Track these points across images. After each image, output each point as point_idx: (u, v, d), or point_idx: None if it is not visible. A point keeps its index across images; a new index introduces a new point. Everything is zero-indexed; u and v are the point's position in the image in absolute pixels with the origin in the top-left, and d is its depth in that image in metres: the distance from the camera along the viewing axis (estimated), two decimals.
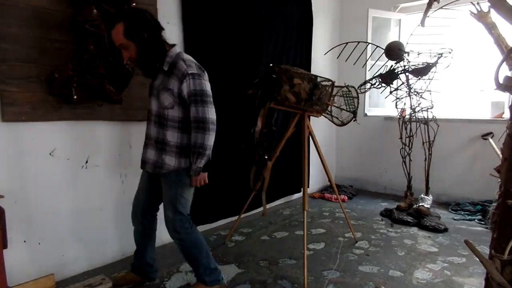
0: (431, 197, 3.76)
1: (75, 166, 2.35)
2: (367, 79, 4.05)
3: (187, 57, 1.91)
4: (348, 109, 2.97)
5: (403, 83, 3.73)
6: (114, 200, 2.57)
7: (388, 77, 3.73)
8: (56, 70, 2.11)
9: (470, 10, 2.08)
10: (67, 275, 2.34)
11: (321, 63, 4.50)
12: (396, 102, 3.86)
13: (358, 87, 3.42)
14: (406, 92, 3.72)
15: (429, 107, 3.69)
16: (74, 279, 2.32)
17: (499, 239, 1.25)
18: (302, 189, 2.79)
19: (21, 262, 2.11)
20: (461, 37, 4.11)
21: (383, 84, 3.80)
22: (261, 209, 3.72)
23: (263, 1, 3.55)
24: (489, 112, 4.16)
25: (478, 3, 2.06)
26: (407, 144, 3.84)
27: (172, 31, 2.75)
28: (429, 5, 2.19)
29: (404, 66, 3.64)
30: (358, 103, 2.98)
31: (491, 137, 3.81)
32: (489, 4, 1.57)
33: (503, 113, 3.99)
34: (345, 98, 2.98)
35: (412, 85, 3.68)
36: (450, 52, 3.40)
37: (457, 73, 4.06)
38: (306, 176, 2.55)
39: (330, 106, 2.84)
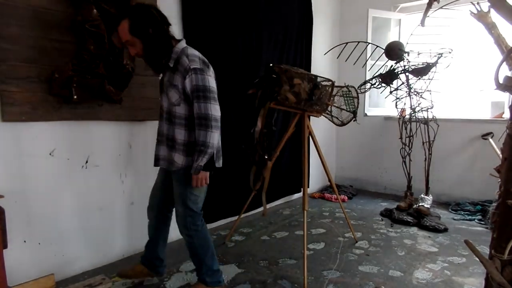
0: (431, 197, 3.76)
1: (75, 166, 2.35)
2: (367, 79, 4.05)
3: (192, 51, 1.86)
4: (348, 109, 2.97)
5: (403, 83, 3.73)
6: (114, 200, 2.57)
7: (388, 77, 3.73)
8: (56, 70, 2.11)
9: (470, 10, 2.08)
10: (67, 275, 2.34)
11: (321, 63, 4.50)
12: (396, 102, 3.86)
13: (358, 87, 3.42)
14: (406, 92, 3.72)
15: (429, 107, 3.69)
16: (74, 279, 2.32)
17: (499, 239, 1.25)
18: (302, 189, 2.79)
19: (21, 262, 2.11)
20: (461, 37, 4.11)
21: (383, 84, 3.80)
22: (261, 209, 3.72)
23: (263, 1, 3.54)
24: (489, 112, 4.16)
25: (478, 3, 2.06)
26: (407, 144, 3.84)
27: (172, 31, 2.75)
28: (429, 5, 2.19)
29: (404, 66, 3.64)
30: (358, 103, 2.98)
31: (491, 137, 3.81)
32: (489, 4, 1.57)
33: (503, 113, 3.99)
34: (345, 98, 2.98)
35: (412, 85, 3.68)
36: (450, 52, 3.40)
37: (457, 73, 4.06)
38: (306, 176, 2.55)
39: (330, 106, 2.84)
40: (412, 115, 3.75)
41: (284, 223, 3.49)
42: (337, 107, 3.00)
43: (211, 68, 1.90)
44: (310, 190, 4.26)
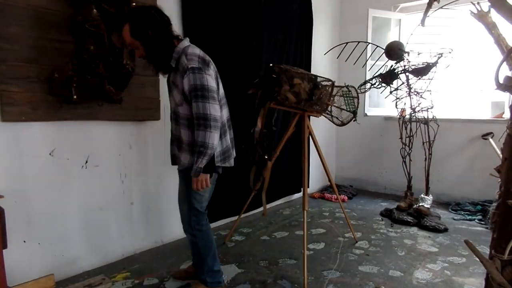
0: (431, 197, 3.76)
1: (75, 166, 2.34)
2: (367, 79, 4.05)
3: (192, 50, 1.84)
4: (348, 109, 2.96)
5: (403, 83, 3.73)
6: (114, 200, 2.57)
7: (388, 77, 3.72)
8: (56, 70, 2.10)
9: (470, 10, 2.08)
10: (67, 275, 2.33)
11: (321, 63, 4.50)
12: (396, 102, 3.86)
13: (358, 87, 3.42)
14: (406, 92, 3.72)
15: (429, 107, 3.69)
16: (74, 279, 2.32)
17: (499, 239, 1.25)
18: (302, 189, 2.78)
19: (21, 262, 2.11)
20: (461, 37, 4.11)
21: (383, 84, 3.80)
22: (261, 209, 3.72)
23: (263, 1, 3.54)
24: (489, 112, 4.16)
25: (478, 3, 2.05)
26: (407, 144, 3.84)
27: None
28: (429, 5, 2.19)
29: (404, 66, 3.64)
30: (358, 103, 2.97)
31: (491, 137, 3.81)
32: (489, 4, 1.56)
33: (503, 113, 3.99)
34: (345, 98, 2.97)
35: (412, 85, 3.68)
36: (450, 52, 3.39)
37: (457, 73, 4.06)
38: (306, 176, 2.54)
39: (330, 106, 2.84)
40: (412, 115, 3.75)
41: (284, 223, 3.49)
42: (337, 107, 3.00)
43: (212, 67, 1.89)
44: (310, 190, 4.26)
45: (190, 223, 2.01)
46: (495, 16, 1.68)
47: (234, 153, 2.12)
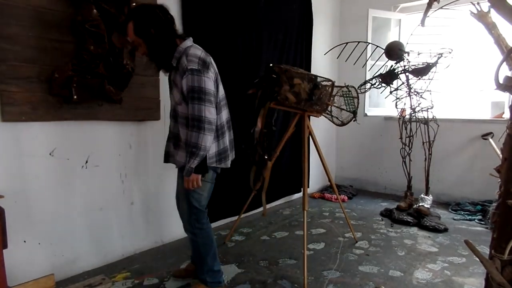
0: (431, 197, 3.76)
1: (75, 166, 2.34)
2: (367, 79, 4.05)
3: (193, 51, 1.84)
4: (348, 109, 2.96)
5: (403, 83, 3.73)
6: (114, 200, 2.57)
7: (388, 77, 3.73)
8: (56, 70, 2.10)
9: (470, 10, 2.08)
10: (67, 275, 2.33)
11: (321, 63, 4.50)
12: (396, 102, 3.86)
13: (358, 87, 3.42)
14: (406, 92, 3.72)
15: (429, 107, 3.69)
16: (74, 279, 2.32)
17: (499, 239, 1.25)
18: (302, 189, 2.78)
19: (21, 262, 2.11)
20: (461, 37, 4.11)
21: (383, 84, 3.80)
22: (261, 209, 3.72)
23: (263, 1, 3.54)
24: (489, 112, 4.16)
25: (478, 3, 2.05)
26: (407, 144, 3.84)
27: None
28: (429, 5, 2.19)
29: (404, 66, 3.64)
30: (358, 103, 2.98)
31: (491, 137, 3.81)
32: (489, 4, 1.56)
33: (503, 113, 3.99)
34: (345, 98, 2.97)
35: (412, 85, 3.68)
36: (450, 52, 3.39)
37: (457, 73, 4.06)
38: (306, 176, 2.54)
39: (330, 106, 2.84)
40: (412, 115, 3.75)
41: (284, 223, 3.49)
42: (337, 107, 3.00)
43: (212, 69, 1.89)
44: (310, 190, 4.26)
45: (190, 221, 2.02)
46: (495, 16, 1.68)
47: (233, 155, 2.12)
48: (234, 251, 2.81)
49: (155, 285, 2.29)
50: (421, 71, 3.53)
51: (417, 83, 3.67)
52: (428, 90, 3.63)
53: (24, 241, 2.14)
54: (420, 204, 3.62)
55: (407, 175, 3.92)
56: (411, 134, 3.80)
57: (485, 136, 3.88)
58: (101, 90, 2.27)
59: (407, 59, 3.63)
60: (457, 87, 4.49)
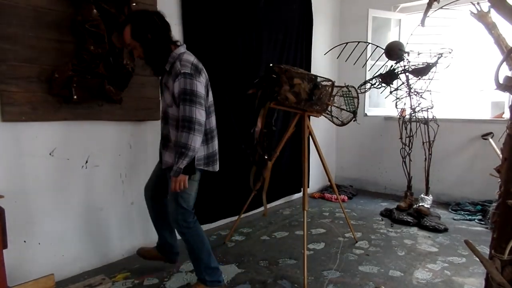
0: (431, 197, 3.76)
1: (75, 166, 2.34)
2: (367, 79, 4.05)
3: (186, 57, 1.93)
4: (348, 109, 2.97)
5: (403, 83, 3.73)
6: (114, 200, 2.57)
7: (388, 77, 3.73)
8: (56, 70, 2.10)
9: (470, 10, 2.08)
10: (67, 275, 2.33)
11: (321, 63, 4.50)
12: (396, 102, 3.87)
13: (358, 87, 3.42)
14: (406, 92, 3.72)
15: (429, 107, 3.69)
16: (74, 279, 2.32)
17: (499, 239, 1.25)
18: (302, 189, 2.78)
19: (21, 262, 2.11)
20: (461, 37, 4.11)
21: (383, 84, 3.80)
22: (261, 209, 3.72)
23: (263, 1, 3.54)
24: (489, 112, 4.16)
25: (478, 3, 2.05)
26: (407, 144, 3.84)
27: (172, 31, 2.74)
28: (429, 5, 2.19)
29: (404, 66, 3.64)
30: (358, 103, 2.98)
31: (491, 137, 3.81)
32: (489, 4, 1.56)
33: (503, 113, 3.99)
34: (345, 98, 2.98)
35: (412, 85, 3.68)
36: (450, 52, 3.39)
37: (457, 73, 4.06)
38: (306, 176, 2.54)
39: (330, 106, 2.84)
40: (412, 115, 3.75)
41: (284, 223, 3.49)
42: (337, 107, 3.00)
43: (204, 75, 1.97)
44: (310, 190, 4.26)
45: (177, 221, 2.04)
46: (495, 16, 1.68)
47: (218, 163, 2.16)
48: (234, 251, 2.81)
49: (155, 285, 2.29)
50: (421, 71, 3.53)
51: (417, 83, 3.67)
52: (428, 90, 3.63)
53: (24, 241, 2.14)
54: (420, 204, 3.62)
55: (407, 175, 3.92)
56: (411, 134, 3.80)
57: (485, 136, 3.88)
58: (101, 90, 2.27)
59: (407, 59, 3.63)
60: (457, 87, 4.49)
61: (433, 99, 3.66)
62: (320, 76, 2.53)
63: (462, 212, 3.77)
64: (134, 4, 2.35)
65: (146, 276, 2.38)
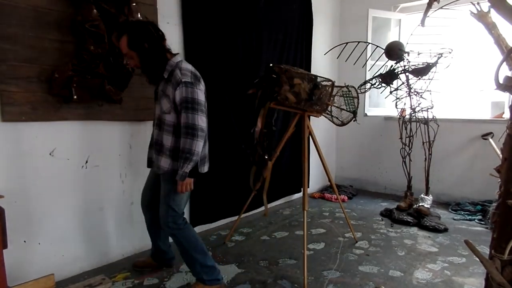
0: (431, 197, 3.76)
1: (75, 166, 2.34)
2: (367, 79, 4.05)
3: (185, 66, 1.98)
4: (348, 109, 2.97)
5: (403, 83, 3.73)
6: (114, 200, 2.57)
7: (388, 77, 3.72)
8: (56, 70, 2.11)
9: (470, 10, 2.08)
10: (67, 275, 2.34)
11: (321, 63, 4.50)
12: (396, 102, 3.86)
13: (358, 87, 3.42)
14: (406, 92, 3.72)
15: (429, 107, 3.69)
16: (74, 279, 2.32)
17: (499, 239, 1.25)
18: (302, 189, 2.78)
19: (21, 262, 2.11)
20: (461, 37, 4.11)
21: (383, 84, 3.80)
22: (261, 209, 3.72)
23: (263, 1, 3.54)
24: (489, 112, 4.16)
25: (478, 3, 2.05)
26: (407, 144, 3.84)
27: (172, 31, 2.76)
28: (429, 5, 2.19)
29: (404, 66, 3.64)
30: (358, 103, 2.98)
31: (491, 137, 3.81)
32: (489, 4, 1.56)
33: (503, 113, 3.99)
34: (345, 98, 2.98)
35: (412, 85, 3.68)
36: (450, 52, 3.39)
37: (457, 73, 4.06)
38: (306, 176, 2.54)
39: (330, 106, 2.84)
40: (412, 115, 3.75)
41: (284, 223, 3.49)
42: (337, 107, 3.00)
43: (202, 82, 2.02)
44: (310, 190, 4.26)
45: (167, 223, 2.07)
46: (495, 16, 1.68)
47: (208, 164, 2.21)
48: (234, 251, 2.81)
49: (155, 285, 2.29)
50: (421, 71, 3.53)
51: (417, 83, 3.67)
52: (428, 90, 3.63)
53: (24, 241, 2.14)
54: (420, 204, 3.62)
55: (407, 175, 3.92)
56: (411, 134, 3.80)
57: (485, 136, 3.88)
58: (101, 90, 2.28)
59: (407, 59, 3.63)
60: (457, 87, 4.49)
61: (433, 99, 3.67)
62: (320, 76, 2.53)
63: (462, 212, 3.77)
64: (134, 4, 2.35)
65: (146, 276, 2.38)
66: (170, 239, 2.45)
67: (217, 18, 3.07)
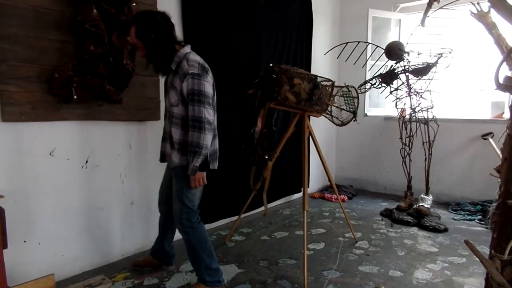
0: (431, 197, 3.76)
1: (75, 166, 2.34)
2: (367, 79, 4.05)
3: (193, 57, 1.95)
4: (348, 109, 2.97)
5: (403, 83, 3.74)
6: (114, 200, 2.57)
7: (388, 77, 3.73)
8: (56, 70, 2.10)
9: (470, 10, 2.08)
10: (67, 275, 2.33)
11: (321, 63, 4.50)
12: (396, 102, 3.87)
13: (358, 87, 3.42)
14: (406, 92, 3.72)
15: (429, 107, 3.70)
16: (74, 279, 2.32)
17: (499, 239, 1.25)
18: (302, 189, 2.78)
19: (21, 262, 2.11)
20: (461, 37, 4.11)
21: (383, 84, 3.80)
22: (261, 209, 3.72)
23: (263, 1, 3.54)
24: (489, 112, 4.16)
25: (478, 3, 2.05)
26: (407, 144, 3.84)
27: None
28: (429, 5, 2.19)
29: (404, 66, 3.64)
30: (358, 103, 2.98)
31: (491, 137, 3.81)
32: (489, 4, 1.56)
33: (503, 113, 3.99)
34: (345, 98, 2.98)
35: (412, 85, 3.68)
36: (450, 52, 3.40)
37: (457, 73, 4.06)
38: (306, 176, 2.54)
39: (330, 106, 2.84)
40: (412, 115, 3.75)
41: (284, 223, 3.49)
42: (337, 107, 3.00)
43: (210, 74, 1.99)
44: (310, 190, 4.26)
45: (182, 221, 2.05)
46: (495, 16, 1.68)
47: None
48: (234, 251, 2.81)
49: (155, 285, 2.29)
50: (421, 71, 3.53)
51: (417, 83, 3.67)
52: (428, 90, 3.63)
53: (24, 241, 2.14)
54: (420, 204, 3.62)
55: (407, 175, 3.92)
56: (411, 134, 3.80)
57: (485, 136, 3.88)
58: (101, 90, 2.27)
59: (407, 59, 3.63)
60: (457, 87, 4.49)
61: (433, 99, 3.67)
62: (320, 76, 2.53)
63: (462, 212, 3.77)
64: (134, 4, 2.35)
65: (146, 276, 2.38)
66: (175, 238, 2.47)
67: (217, 18, 3.07)
